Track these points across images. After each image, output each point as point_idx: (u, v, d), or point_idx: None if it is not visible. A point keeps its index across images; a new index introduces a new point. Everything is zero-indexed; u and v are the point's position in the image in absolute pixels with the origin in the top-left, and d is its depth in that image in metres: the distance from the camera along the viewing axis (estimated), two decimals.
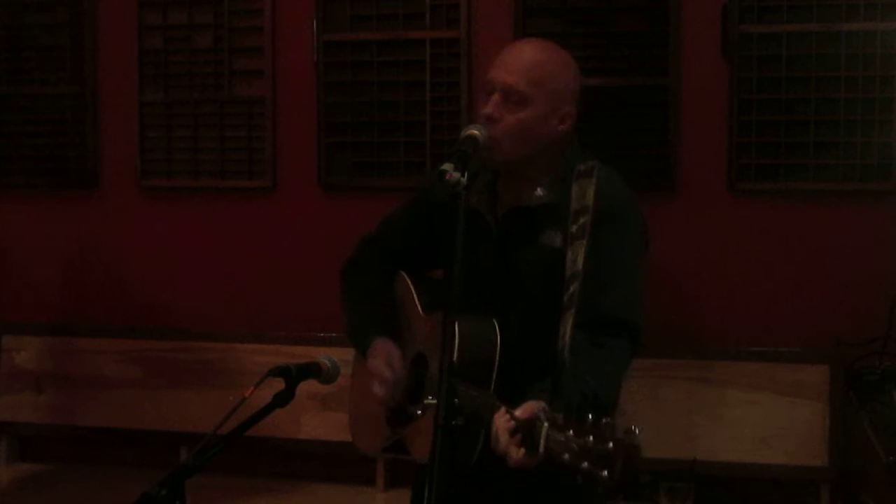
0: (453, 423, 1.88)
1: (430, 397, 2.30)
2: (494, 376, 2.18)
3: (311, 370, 2.19)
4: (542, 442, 1.81)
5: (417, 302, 2.44)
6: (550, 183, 2.31)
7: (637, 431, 1.73)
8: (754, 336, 4.54)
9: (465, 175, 2.03)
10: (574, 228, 2.21)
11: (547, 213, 2.29)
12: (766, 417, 4.39)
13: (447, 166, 2.04)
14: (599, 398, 2.11)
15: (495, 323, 2.22)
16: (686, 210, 4.64)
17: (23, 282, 5.30)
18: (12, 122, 5.32)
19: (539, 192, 2.30)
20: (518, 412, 1.95)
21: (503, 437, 1.95)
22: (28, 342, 5.24)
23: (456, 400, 1.89)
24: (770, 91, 4.55)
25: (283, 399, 2.08)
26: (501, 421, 1.98)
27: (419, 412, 2.31)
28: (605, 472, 1.68)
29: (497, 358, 2.19)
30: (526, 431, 1.89)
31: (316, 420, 4.77)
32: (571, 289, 2.17)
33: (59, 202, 5.28)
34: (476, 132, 2.19)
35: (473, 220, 2.25)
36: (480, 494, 2.32)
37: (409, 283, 2.49)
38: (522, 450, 1.91)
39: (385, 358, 2.38)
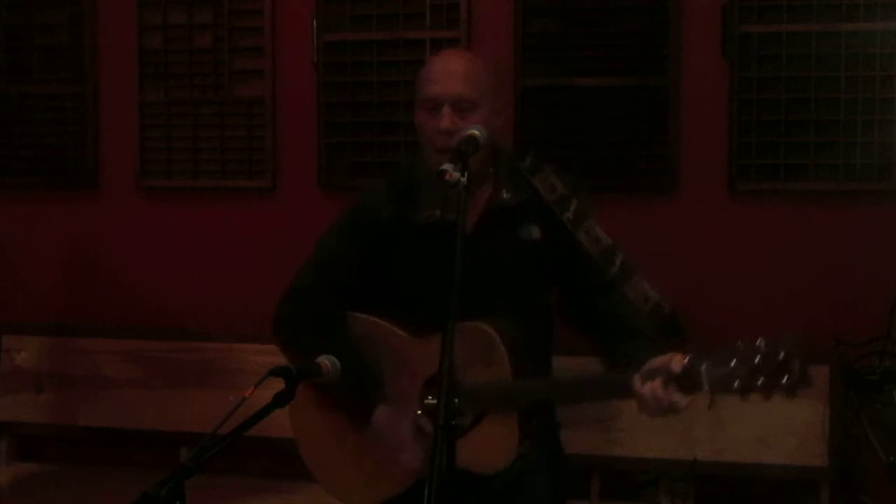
0: (453, 423, 1.89)
1: (430, 397, 2.30)
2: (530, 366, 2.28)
3: (311, 370, 2.19)
4: (704, 382, 2.00)
5: (401, 332, 2.40)
6: (508, 182, 2.39)
7: (792, 334, 1.94)
8: (754, 336, 4.53)
9: (466, 175, 2.05)
10: (569, 215, 2.33)
11: (520, 210, 2.37)
12: (766, 417, 4.38)
13: (447, 166, 2.06)
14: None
15: (508, 319, 2.29)
16: (686, 210, 4.64)
17: (23, 282, 5.29)
18: (12, 122, 5.32)
19: (505, 194, 2.38)
20: (672, 366, 2.05)
21: (662, 393, 2.06)
22: (28, 342, 5.23)
23: (456, 400, 1.90)
24: (770, 91, 4.55)
25: (283, 399, 2.08)
26: (651, 384, 2.07)
27: (419, 412, 2.30)
28: (786, 377, 1.89)
29: (528, 349, 2.29)
30: (683, 380, 2.03)
31: None
32: (617, 261, 2.32)
33: (59, 202, 5.28)
34: (476, 132, 2.21)
35: (439, 232, 2.29)
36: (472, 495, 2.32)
37: (374, 318, 2.44)
38: (685, 395, 2.05)
39: (393, 425, 2.37)
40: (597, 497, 4.55)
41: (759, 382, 1.92)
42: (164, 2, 5.12)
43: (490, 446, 2.15)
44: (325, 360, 2.21)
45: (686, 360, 2.04)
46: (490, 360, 2.22)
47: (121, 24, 5.15)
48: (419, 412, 2.32)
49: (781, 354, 1.91)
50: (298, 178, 5.02)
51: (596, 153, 4.67)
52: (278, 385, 2.09)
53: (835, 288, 4.51)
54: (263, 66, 5.03)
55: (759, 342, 1.94)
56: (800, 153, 4.54)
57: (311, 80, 4.96)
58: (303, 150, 4.99)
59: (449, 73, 2.34)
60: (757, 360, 1.92)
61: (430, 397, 2.31)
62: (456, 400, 1.91)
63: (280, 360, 2.34)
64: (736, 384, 1.94)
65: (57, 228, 5.28)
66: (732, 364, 1.95)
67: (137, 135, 5.17)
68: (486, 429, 2.00)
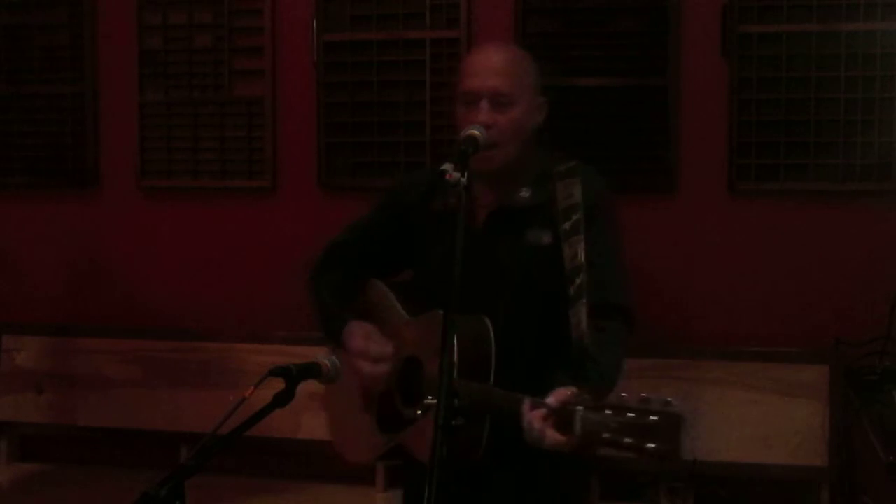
0: (453, 423, 1.89)
1: (430, 397, 2.30)
2: (493, 372, 2.23)
3: (311, 370, 2.19)
4: (577, 425, 1.89)
5: (399, 307, 2.45)
6: (533, 183, 2.36)
7: (674, 402, 1.81)
8: (754, 336, 4.54)
9: (465, 175, 2.06)
10: (567, 226, 2.28)
11: (533, 213, 2.35)
12: (766, 417, 4.39)
13: (447, 166, 2.07)
14: (612, 377, 2.24)
15: (487, 320, 2.26)
16: (686, 210, 4.64)
17: (23, 282, 5.29)
18: (12, 122, 5.32)
19: (524, 192, 2.36)
20: (550, 400, 2.01)
21: (538, 424, 2.01)
22: (28, 342, 5.23)
23: (456, 400, 1.90)
24: (770, 91, 4.55)
25: (283, 399, 2.08)
26: (534, 412, 2.03)
27: (419, 412, 2.31)
28: (652, 444, 1.76)
29: (493, 354, 2.24)
30: (560, 417, 1.96)
31: (316, 420, 4.75)
32: (578, 281, 2.24)
33: (59, 202, 5.28)
34: (476, 132, 2.22)
35: (452, 222, 2.28)
36: (480, 492, 2.33)
37: (386, 289, 2.52)
38: (558, 433, 1.98)
39: (365, 335, 2.41)
40: (597, 497, 4.55)
41: (626, 441, 1.80)
42: (164, 2, 5.13)
43: (425, 436, 2.15)
44: (326, 361, 2.22)
45: (564, 398, 1.98)
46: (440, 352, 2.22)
47: (121, 24, 5.15)
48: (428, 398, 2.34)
49: (652, 418, 1.78)
50: (298, 178, 5.02)
51: (596, 153, 4.66)
52: (278, 385, 2.09)
53: (835, 288, 4.51)
54: (263, 66, 5.03)
55: (639, 398, 1.83)
56: (800, 153, 4.54)
57: (311, 80, 4.96)
58: (303, 150, 4.99)
59: (488, 67, 2.34)
60: (628, 416, 1.80)
61: (430, 397, 2.31)
62: (456, 400, 1.92)
63: (280, 359, 2.34)
64: (605, 436, 1.83)
65: (57, 228, 5.28)
66: (605, 414, 1.84)
67: (137, 135, 5.17)
68: (429, 418, 2.02)
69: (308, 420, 4.78)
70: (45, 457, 5.27)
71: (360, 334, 2.42)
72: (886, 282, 4.36)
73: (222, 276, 5.11)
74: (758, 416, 4.40)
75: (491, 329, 2.25)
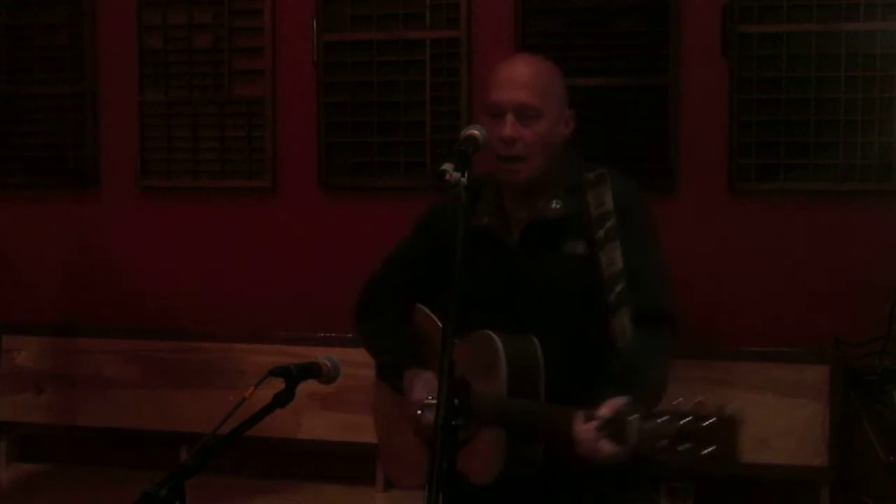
0: (453, 423, 1.89)
1: (430, 397, 2.30)
2: (542, 392, 2.23)
3: (311, 370, 2.19)
4: (632, 433, 1.88)
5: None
6: (563, 193, 2.35)
7: (729, 406, 1.81)
8: (754, 336, 4.54)
9: (465, 175, 2.05)
10: (601, 233, 2.26)
11: (567, 224, 2.33)
12: (766, 417, 4.38)
13: (447, 166, 2.06)
14: (660, 384, 2.22)
15: (535, 340, 2.25)
16: (686, 210, 4.64)
17: (23, 282, 5.30)
18: (12, 122, 5.32)
19: (555, 204, 2.34)
20: (603, 411, 1.99)
21: (592, 436, 2.00)
22: (28, 342, 5.24)
23: (456, 400, 1.90)
24: (770, 91, 4.55)
25: (283, 399, 2.08)
26: (587, 425, 2.02)
27: (419, 412, 2.31)
28: (709, 449, 1.78)
29: (542, 374, 2.23)
30: (613, 427, 1.95)
31: (316, 420, 4.77)
32: (617, 288, 2.22)
33: (59, 202, 5.28)
34: (476, 132, 2.20)
35: (488, 239, 2.29)
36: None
37: (430, 314, 2.50)
38: (613, 444, 1.96)
39: (424, 386, 2.40)
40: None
41: (683, 447, 1.79)
42: (164, 2, 5.13)
43: (479, 458, 2.14)
44: (326, 361, 2.22)
45: (617, 408, 1.96)
46: (489, 373, 2.21)
47: (121, 24, 5.15)
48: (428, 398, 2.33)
49: (708, 423, 1.79)
50: (298, 178, 5.02)
51: (596, 153, 4.64)
52: (278, 385, 2.09)
53: (835, 288, 4.51)
54: (263, 66, 5.03)
55: (695, 403, 1.83)
56: (800, 153, 4.54)
57: (311, 80, 4.96)
58: (303, 150, 4.99)
59: (514, 80, 2.32)
60: (684, 422, 1.80)
61: (430, 397, 2.32)
62: (455, 400, 1.91)
63: (279, 359, 2.35)
64: (663, 443, 1.82)
65: (57, 228, 5.28)
66: (660, 421, 1.83)
67: (137, 135, 5.17)
68: (481, 439, 2.01)
69: (308, 420, 4.79)
70: (45, 457, 5.27)
71: (422, 387, 2.41)
72: (886, 282, 4.36)
73: (222, 276, 5.11)
74: (758, 416, 4.40)
75: (539, 348, 2.24)
